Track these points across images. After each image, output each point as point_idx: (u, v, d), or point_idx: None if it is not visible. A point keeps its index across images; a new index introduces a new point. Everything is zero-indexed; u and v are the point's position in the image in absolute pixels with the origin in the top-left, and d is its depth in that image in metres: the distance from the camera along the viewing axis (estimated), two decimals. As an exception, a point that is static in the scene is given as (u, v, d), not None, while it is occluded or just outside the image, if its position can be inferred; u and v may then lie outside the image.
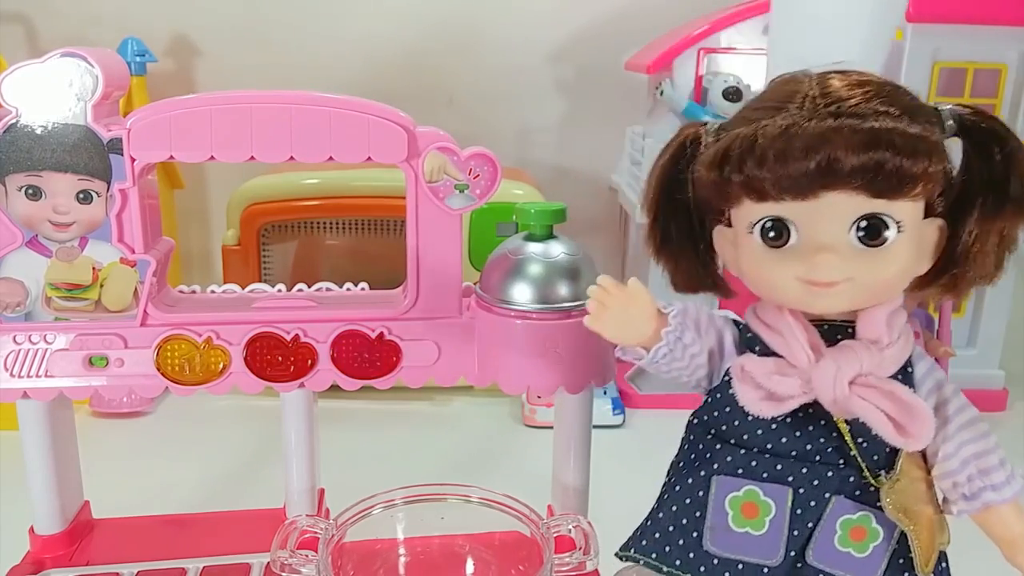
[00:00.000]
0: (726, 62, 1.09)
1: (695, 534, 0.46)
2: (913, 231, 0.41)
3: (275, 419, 0.64)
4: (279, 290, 0.63)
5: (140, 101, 1.10)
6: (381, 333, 0.58)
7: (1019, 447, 0.99)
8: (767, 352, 0.45)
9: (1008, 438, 1.01)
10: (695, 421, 0.48)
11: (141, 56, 1.12)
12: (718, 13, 1.05)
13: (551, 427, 0.64)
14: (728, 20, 1.04)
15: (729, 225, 0.44)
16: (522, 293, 0.57)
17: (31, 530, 0.62)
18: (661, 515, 0.47)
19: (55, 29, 1.23)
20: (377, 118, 0.54)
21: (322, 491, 0.67)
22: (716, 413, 0.46)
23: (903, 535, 0.43)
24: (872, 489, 0.43)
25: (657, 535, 0.47)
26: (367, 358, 0.59)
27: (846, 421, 0.43)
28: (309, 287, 0.63)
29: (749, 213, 0.42)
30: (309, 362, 0.58)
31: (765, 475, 0.44)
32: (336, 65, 1.25)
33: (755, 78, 1.08)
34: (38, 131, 0.53)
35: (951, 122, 0.41)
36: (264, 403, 0.77)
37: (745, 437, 0.45)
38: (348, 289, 0.63)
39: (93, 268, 0.56)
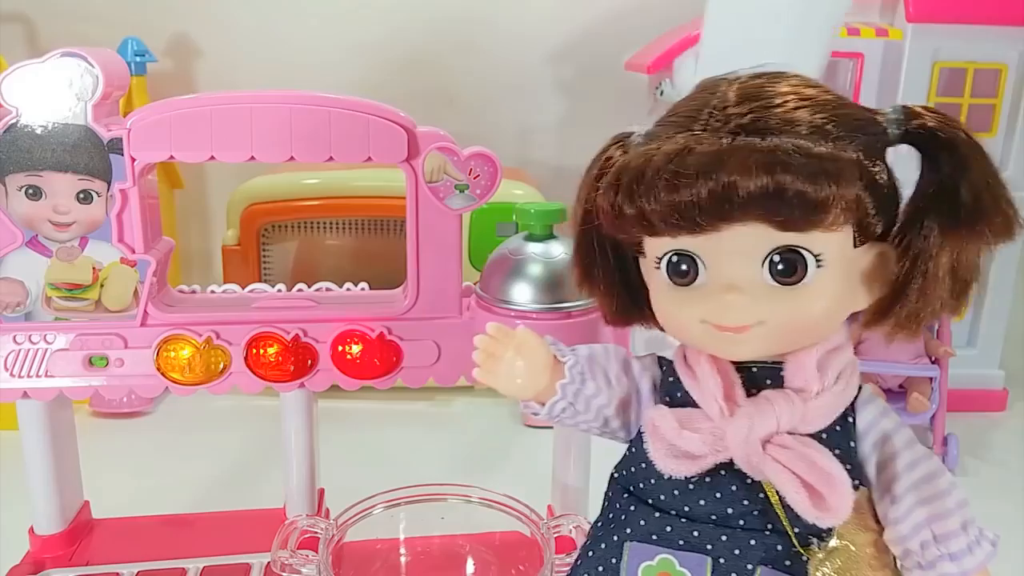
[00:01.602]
0: (726, 62, 1.09)
1: None
2: (840, 263, 0.35)
3: (275, 419, 0.64)
4: (279, 290, 0.63)
5: (140, 101, 1.10)
6: (381, 333, 0.58)
7: (1019, 447, 0.99)
8: (687, 401, 0.39)
9: (1008, 438, 1.02)
10: (615, 475, 0.43)
11: (141, 56, 1.12)
12: (718, 13, 1.04)
13: (551, 427, 0.64)
14: (728, 20, 1.04)
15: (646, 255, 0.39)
16: (522, 293, 0.57)
17: (31, 530, 0.62)
18: None
19: (55, 29, 1.22)
20: (377, 118, 0.54)
21: (322, 491, 0.67)
22: (633, 469, 0.41)
23: None
24: (805, 559, 0.37)
25: None
26: (367, 358, 0.59)
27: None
28: (309, 287, 0.63)
29: (655, 246, 0.37)
30: (309, 362, 0.58)
31: (681, 542, 0.39)
32: (336, 65, 1.25)
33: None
34: (38, 131, 0.53)
35: (894, 128, 0.36)
36: (264, 403, 0.77)
37: (662, 498, 0.40)
38: (348, 289, 0.64)
39: (93, 268, 0.56)
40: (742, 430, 0.36)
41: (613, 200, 0.36)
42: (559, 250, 0.57)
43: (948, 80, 1.04)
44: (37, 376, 0.57)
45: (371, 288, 0.64)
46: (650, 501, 0.40)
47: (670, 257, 0.37)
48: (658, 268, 0.37)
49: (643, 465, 0.40)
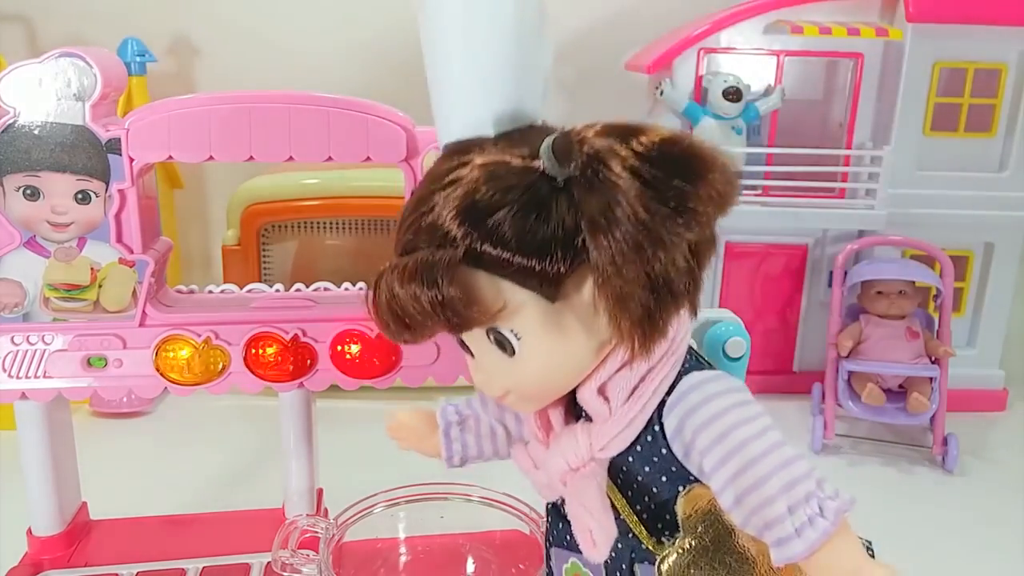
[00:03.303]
0: (726, 62, 1.09)
1: None
2: (541, 327, 0.37)
3: (275, 419, 0.64)
4: (277, 290, 0.63)
5: (140, 101, 1.10)
6: (380, 333, 0.58)
7: (1019, 447, 0.99)
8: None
9: (1008, 438, 1.01)
10: None
11: (141, 56, 1.12)
12: (718, 13, 1.04)
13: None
14: (728, 20, 1.04)
15: None
16: (521, 293, 0.56)
17: (29, 531, 0.62)
18: None
19: (55, 29, 1.23)
20: (376, 118, 0.54)
21: (321, 491, 0.67)
22: None
23: None
24: (656, 555, 0.40)
25: None
26: (366, 358, 0.59)
27: (619, 490, 0.41)
28: (308, 287, 0.63)
29: None
30: (308, 362, 0.58)
31: (579, 547, 0.40)
32: (336, 65, 1.25)
33: (755, 78, 1.08)
34: (36, 131, 0.53)
35: (559, 171, 0.35)
36: (263, 403, 0.77)
37: (563, 509, 0.42)
38: (346, 289, 0.63)
39: (91, 268, 0.56)
40: (554, 464, 0.40)
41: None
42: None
43: (948, 80, 1.04)
44: (35, 377, 0.57)
45: (370, 288, 0.64)
46: (561, 511, 0.43)
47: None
48: None
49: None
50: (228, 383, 0.58)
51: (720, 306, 1.05)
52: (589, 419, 0.41)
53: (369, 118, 0.54)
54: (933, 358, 0.97)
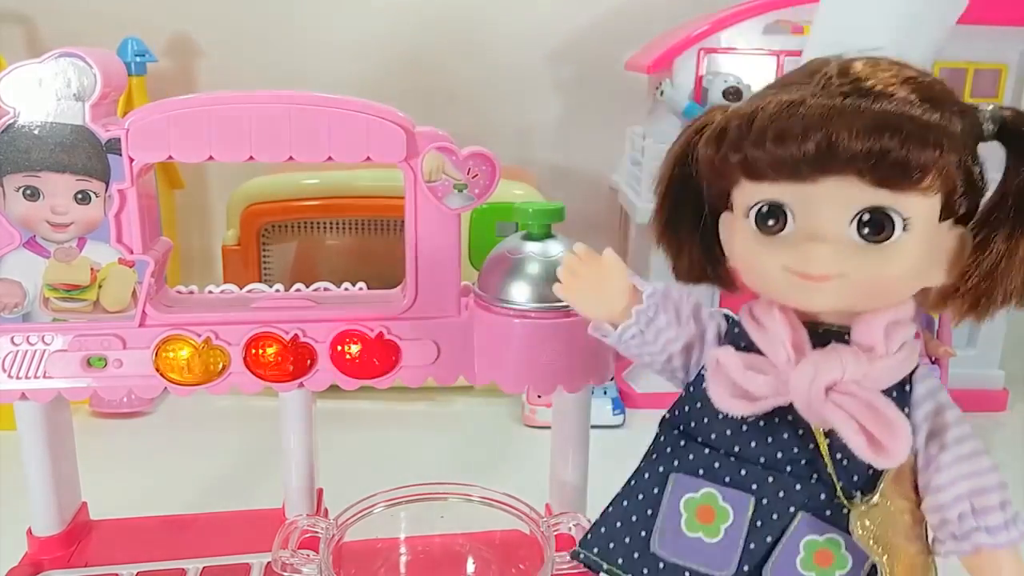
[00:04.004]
0: (726, 62, 1.08)
1: (643, 533, 0.42)
2: (924, 231, 0.37)
3: (275, 419, 0.64)
4: (277, 290, 0.63)
5: (140, 101, 1.10)
6: (380, 333, 0.58)
7: (1019, 447, 0.99)
8: (751, 349, 0.41)
9: (1008, 438, 1.01)
10: (667, 417, 0.45)
11: (141, 56, 1.12)
12: (718, 13, 1.04)
13: (550, 427, 0.64)
14: (728, 20, 1.04)
15: (732, 210, 0.41)
16: (520, 292, 0.57)
17: (29, 531, 0.62)
18: (611, 510, 0.44)
19: (55, 29, 1.22)
20: (376, 118, 0.54)
21: (321, 491, 0.67)
22: (687, 408, 0.43)
23: (875, 568, 0.39)
24: (845, 511, 0.39)
25: (603, 530, 0.44)
26: (366, 358, 0.59)
27: (825, 433, 0.39)
28: (308, 287, 0.63)
29: (747, 196, 0.39)
30: (308, 362, 0.58)
31: (727, 479, 0.41)
32: (335, 65, 1.25)
33: (755, 78, 1.07)
34: (36, 131, 0.53)
35: (989, 124, 0.37)
36: (263, 403, 0.77)
37: (713, 436, 0.42)
38: (346, 289, 0.63)
39: (91, 269, 0.56)
40: (807, 374, 0.38)
41: (718, 146, 0.38)
42: (557, 249, 0.57)
43: (948, 80, 1.03)
44: (35, 377, 0.57)
45: (370, 288, 0.64)
46: (700, 439, 0.42)
47: (761, 207, 0.38)
48: (747, 217, 0.39)
49: (699, 405, 0.42)
50: (228, 383, 0.58)
51: (720, 306, 1.05)
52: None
53: (369, 118, 0.54)
54: (933, 358, 0.97)
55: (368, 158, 0.55)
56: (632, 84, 1.17)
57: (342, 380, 0.59)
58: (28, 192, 0.54)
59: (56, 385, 0.57)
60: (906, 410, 0.39)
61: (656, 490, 0.42)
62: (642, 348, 0.44)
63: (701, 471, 0.41)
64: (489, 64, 1.28)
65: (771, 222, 0.38)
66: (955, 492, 0.39)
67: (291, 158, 0.54)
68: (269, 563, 0.56)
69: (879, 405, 0.37)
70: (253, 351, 0.58)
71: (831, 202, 0.36)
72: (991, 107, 0.38)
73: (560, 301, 0.46)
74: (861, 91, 0.35)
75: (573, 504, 0.62)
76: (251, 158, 0.54)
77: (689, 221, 0.44)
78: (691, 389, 0.43)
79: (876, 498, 0.39)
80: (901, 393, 0.39)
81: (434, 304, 0.59)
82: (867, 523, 0.38)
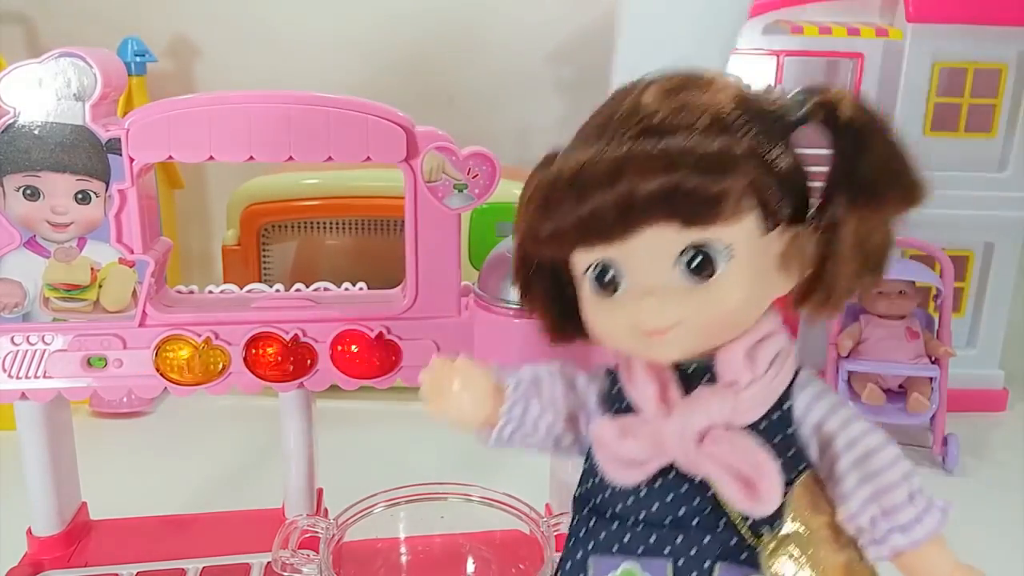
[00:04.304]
0: (726, 62, 1.09)
1: None
2: (749, 253, 0.35)
3: (275, 419, 0.64)
4: (277, 290, 0.63)
5: (140, 101, 1.10)
6: (380, 333, 0.58)
7: (1019, 447, 0.99)
8: (632, 407, 0.40)
9: (1008, 438, 1.01)
10: (576, 496, 0.43)
11: (141, 56, 1.12)
12: (718, 13, 1.04)
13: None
14: (728, 20, 1.04)
15: None
16: (521, 293, 0.56)
17: (29, 531, 0.62)
18: None
19: (55, 29, 1.22)
20: (376, 118, 0.54)
21: (320, 491, 0.67)
22: (590, 484, 0.42)
23: None
24: (758, 550, 0.37)
25: None
26: (366, 358, 0.59)
27: None
28: (308, 287, 0.63)
29: (579, 260, 0.38)
30: (308, 362, 0.58)
31: (640, 550, 0.39)
32: (336, 65, 1.25)
33: (755, 78, 1.07)
34: (36, 131, 0.53)
35: (796, 112, 0.36)
36: (263, 403, 0.77)
37: (619, 507, 0.40)
38: (347, 289, 0.63)
39: (91, 268, 0.56)
40: (676, 429, 0.37)
41: (531, 221, 0.37)
42: (558, 250, 0.57)
43: (948, 80, 1.04)
44: (35, 377, 0.57)
45: (370, 288, 0.64)
46: (608, 513, 0.40)
47: (592, 269, 0.37)
48: (584, 280, 0.38)
49: (598, 479, 0.41)
50: (228, 383, 0.58)
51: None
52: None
53: (369, 118, 0.54)
54: (933, 358, 0.97)
55: (368, 158, 0.55)
56: (632, 84, 1.17)
57: (342, 380, 0.59)
58: (28, 192, 0.54)
59: (56, 385, 0.57)
60: (790, 429, 0.38)
61: (580, 572, 0.41)
62: (526, 440, 0.43)
63: (615, 547, 0.40)
64: (489, 65, 1.28)
65: (605, 283, 0.37)
66: (860, 498, 0.37)
67: (291, 158, 0.54)
68: (269, 563, 0.56)
69: (747, 449, 0.36)
70: (253, 351, 0.58)
71: (649, 252, 0.35)
72: (794, 93, 0.37)
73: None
74: (648, 130, 0.34)
75: (573, 504, 0.62)
76: (251, 158, 0.54)
77: (546, 284, 0.42)
78: (587, 464, 0.42)
79: (786, 526, 0.38)
80: (781, 413, 0.38)
81: (434, 304, 0.59)
82: (782, 558, 0.37)
